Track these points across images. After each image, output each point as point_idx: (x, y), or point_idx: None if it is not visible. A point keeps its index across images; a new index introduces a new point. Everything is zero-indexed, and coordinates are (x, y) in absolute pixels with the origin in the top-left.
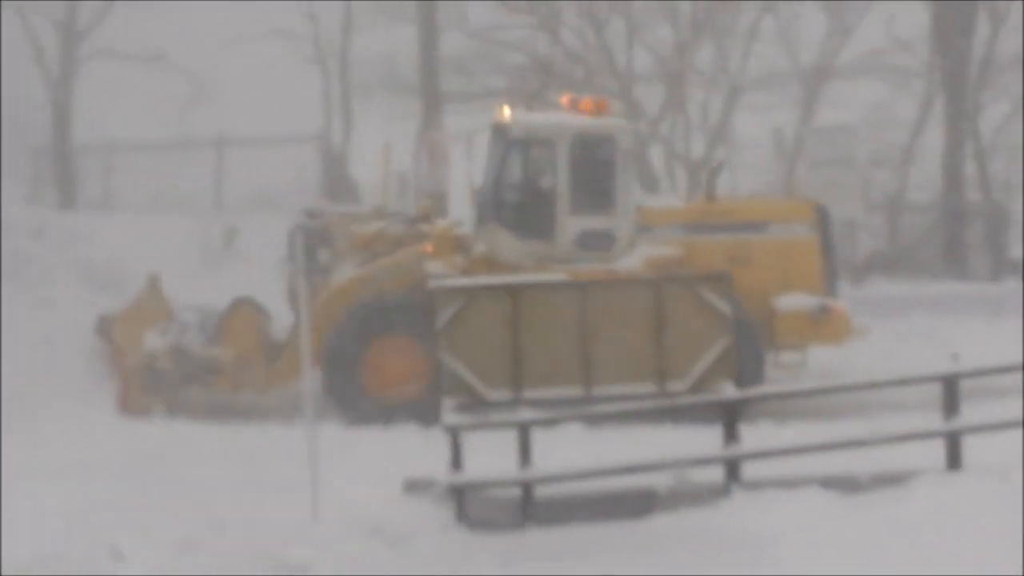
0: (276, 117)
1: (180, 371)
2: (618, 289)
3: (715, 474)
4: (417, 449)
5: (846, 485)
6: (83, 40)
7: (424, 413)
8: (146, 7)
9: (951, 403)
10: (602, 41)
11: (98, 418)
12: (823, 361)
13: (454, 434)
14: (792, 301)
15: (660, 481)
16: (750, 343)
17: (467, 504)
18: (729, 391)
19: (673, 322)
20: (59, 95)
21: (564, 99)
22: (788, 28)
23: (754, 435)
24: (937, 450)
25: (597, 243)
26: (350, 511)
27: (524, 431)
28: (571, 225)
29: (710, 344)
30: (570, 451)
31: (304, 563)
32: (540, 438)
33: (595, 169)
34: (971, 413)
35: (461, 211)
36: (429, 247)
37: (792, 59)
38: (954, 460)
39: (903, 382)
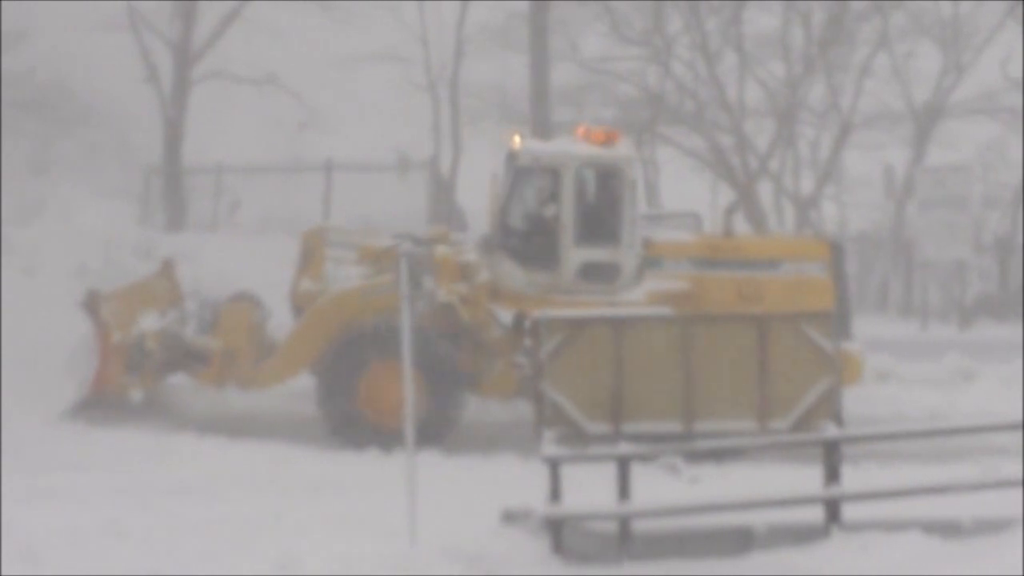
0: (385, 143)
1: (166, 356)
2: (721, 324)
3: (815, 514)
4: (517, 479)
5: (948, 530)
6: (197, 61)
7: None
8: (260, 29)
9: None
10: (713, 75)
11: (197, 439)
12: (928, 404)
13: (553, 465)
14: None
15: (758, 520)
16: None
17: (564, 536)
18: (831, 430)
19: (776, 359)
20: (171, 115)
21: (579, 129)
22: (901, 66)
23: (856, 476)
24: None
25: (601, 275)
26: (447, 540)
27: (623, 464)
28: (575, 256)
29: (813, 383)
30: (668, 487)
31: None
32: (638, 473)
33: (600, 200)
34: None
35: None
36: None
37: (905, 97)
38: None
39: (1007, 427)
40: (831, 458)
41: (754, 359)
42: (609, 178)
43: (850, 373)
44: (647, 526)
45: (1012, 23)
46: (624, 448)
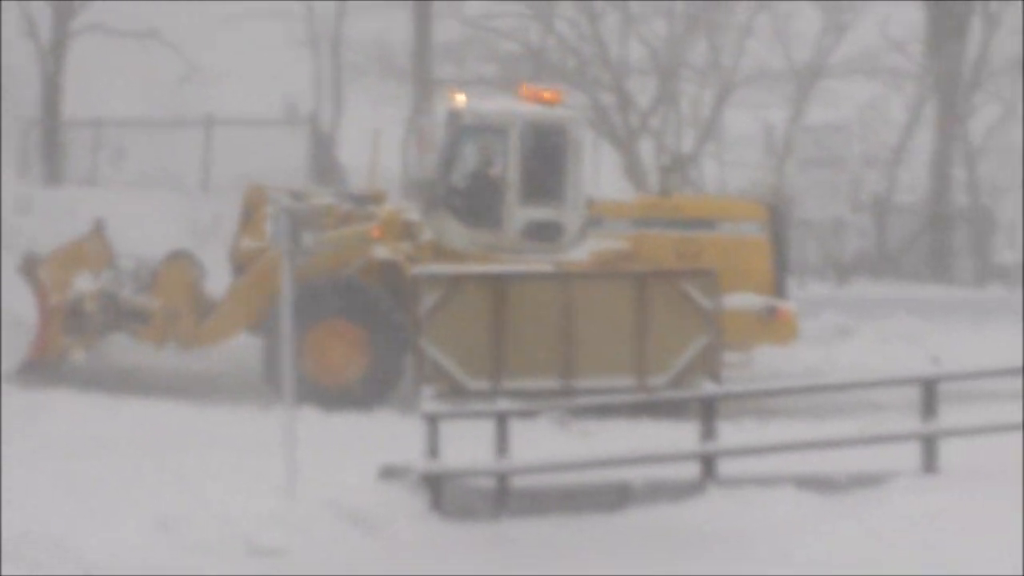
0: (266, 98)
1: (105, 317)
2: (602, 282)
3: (692, 470)
4: (395, 436)
5: (822, 485)
6: (76, 14)
7: (362, 398)
8: None
9: (929, 406)
10: (596, 32)
11: (85, 396)
12: (806, 361)
13: (431, 422)
14: (739, 300)
15: (636, 475)
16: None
17: (443, 493)
18: (708, 387)
19: (656, 317)
20: (49, 69)
21: (523, 88)
22: (782, 26)
23: (733, 432)
24: (914, 452)
25: (545, 234)
26: (325, 496)
27: (502, 421)
28: (519, 215)
29: (691, 340)
30: (547, 443)
31: (277, 546)
32: (517, 429)
33: (545, 159)
34: (949, 416)
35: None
36: (376, 230)
37: (785, 57)
38: (930, 463)
39: (882, 383)
40: (708, 415)
41: (634, 316)
42: (554, 137)
43: (786, 332)
44: (526, 482)
45: None
46: (503, 404)
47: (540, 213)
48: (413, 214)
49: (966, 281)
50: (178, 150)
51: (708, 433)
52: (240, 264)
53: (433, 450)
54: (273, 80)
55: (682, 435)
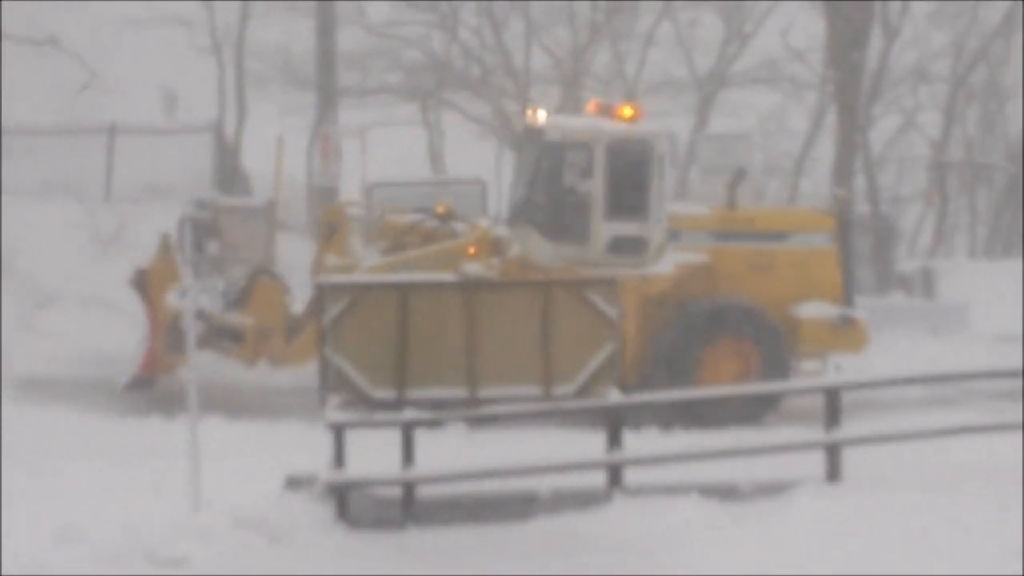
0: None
1: (199, 334)
2: (507, 292)
3: (598, 479)
4: (301, 444)
5: (727, 493)
6: None
7: None
8: None
9: (832, 415)
10: (500, 41)
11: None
12: None
13: (337, 431)
14: (814, 309)
15: (542, 484)
16: (774, 348)
17: (348, 502)
18: (613, 396)
19: (561, 326)
20: None
21: (592, 104)
22: (685, 35)
23: (638, 441)
24: (818, 461)
25: (629, 248)
26: (230, 505)
27: (407, 430)
28: (605, 230)
29: (597, 348)
30: (453, 452)
31: (182, 557)
32: (424, 439)
33: (630, 175)
34: (852, 426)
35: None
36: (471, 248)
37: (688, 66)
38: (834, 471)
39: (784, 392)
40: (614, 423)
41: (539, 325)
42: (639, 153)
43: (858, 341)
44: (432, 491)
45: None
46: (409, 414)
47: (625, 228)
48: (501, 230)
49: (868, 290)
50: (80, 159)
51: (614, 442)
52: None
53: (339, 460)
54: (176, 88)
55: (587, 444)
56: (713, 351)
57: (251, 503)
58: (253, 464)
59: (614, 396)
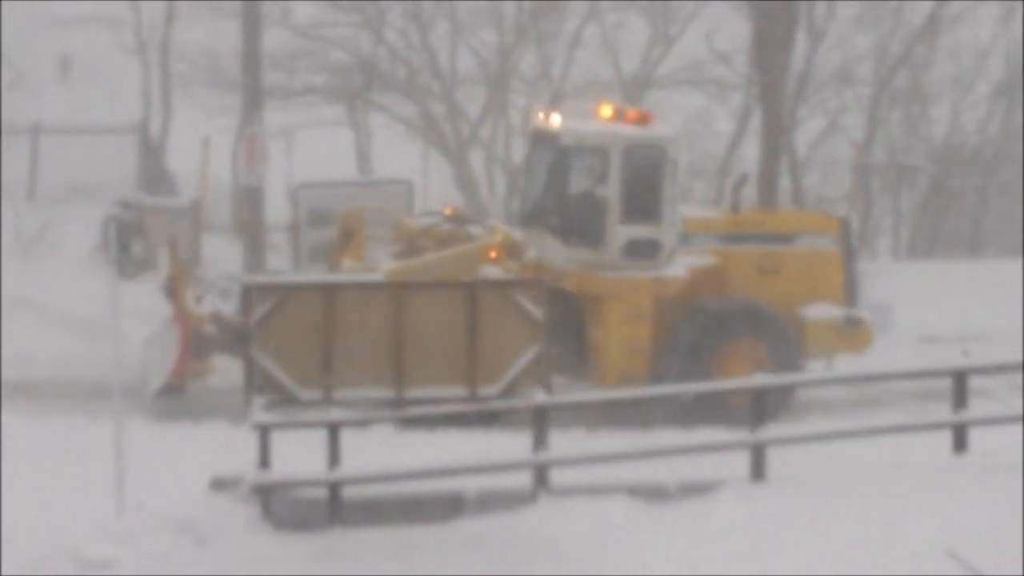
0: (95, 106)
1: (221, 339)
2: (433, 292)
3: (525, 479)
4: (227, 445)
5: (653, 494)
6: None
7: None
8: None
9: (758, 415)
10: (426, 42)
11: None
12: None
13: (263, 432)
14: (821, 311)
15: (469, 485)
16: (785, 347)
17: (274, 503)
18: (539, 397)
19: (487, 326)
20: None
21: (605, 108)
22: (611, 36)
23: (565, 442)
24: (744, 461)
25: (644, 251)
26: (155, 507)
27: (333, 431)
28: (620, 233)
29: (523, 350)
30: (380, 453)
31: (106, 560)
32: (350, 439)
33: (645, 178)
34: (777, 426)
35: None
36: (493, 252)
37: (614, 67)
38: (758, 471)
39: (710, 391)
40: (539, 424)
41: (465, 326)
42: (653, 157)
43: (863, 341)
44: (358, 492)
45: None
46: (335, 414)
47: (640, 231)
48: (517, 234)
49: None
50: (4, 158)
51: (540, 443)
52: None
53: (264, 460)
54: (101, 88)
55: (514, 444)
56: (726, 352)
57: (176, 504)
58: (179, 465)
59: (540, 397)
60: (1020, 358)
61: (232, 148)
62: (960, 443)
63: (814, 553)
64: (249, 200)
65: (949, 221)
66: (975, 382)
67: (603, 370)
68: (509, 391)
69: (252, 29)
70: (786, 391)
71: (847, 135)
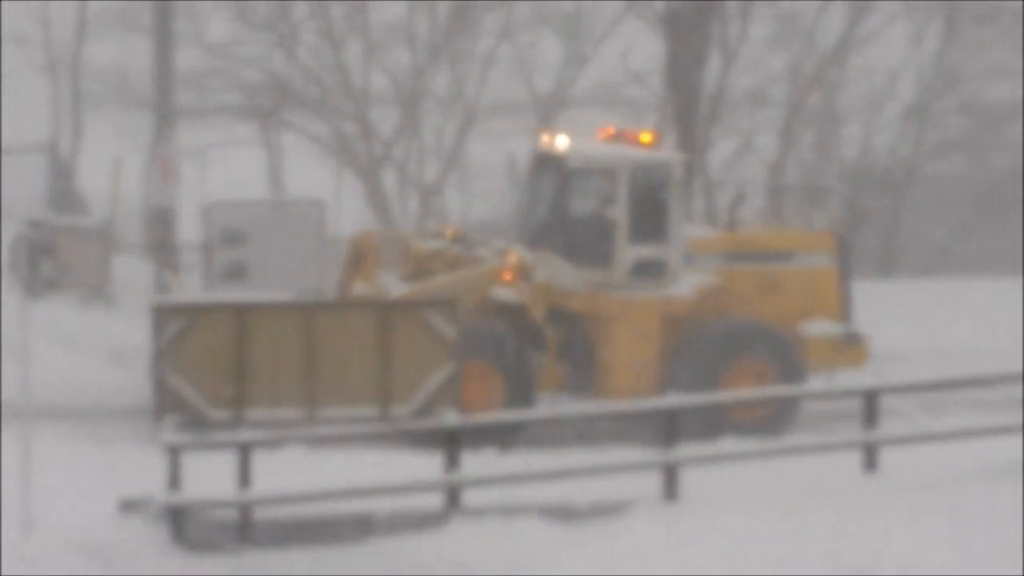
0: (4, 125)
1: None
2: (345, 312)
3: (436, 500)
4: (137, 467)
5: (565, 514)
6: None
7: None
8: None
9: (669, 435)
10: (339, 61)
11: None
12: None
13: (173, 453)
14: (821, 327)
15: (380, 506)
16: (790, 365)
17: (184, 525)
18: (451, 417)
19: (399, 346)
20: None
21: (607, 130)
22: (525, 56)
23: (477, 462)
24: (656, 481)
25: (651, 271)
26: (63, 530)
27: (244, 452)
28: (628, 254)
29: (435, 369)
30: (291, 474)
31: None
32: (262, 460)
33: (652, 199)
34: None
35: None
36: (508, 274)
37: (528, 87)
38: (671, 491)
39: (622, 416)
40: (451, 445)
41: (377, 346)
42: (660, 178)
43: (861, 357)
44: (269, 513)
45: (631, 17)
46: (246, 435)
47: (647, 252)
48: (527, 256)
49: None
50: None
51: (452, 463)
52: None
53: (174, 481)
54: (9, 107)
55: (425, 465)
56: (733, 370)
57: (84, 526)
58: (88, 486)
59: (452, 417)
60: (932, 377)
61: (144, 167)
62: (871, 463)
63: (724, 572)
64: (160, 220)
65: (860, 241)
66: (887, 402)
67: (611, 389)
68: (422, 411)
69: (163, 48)
70: (792, 405)
71: (760, 156)
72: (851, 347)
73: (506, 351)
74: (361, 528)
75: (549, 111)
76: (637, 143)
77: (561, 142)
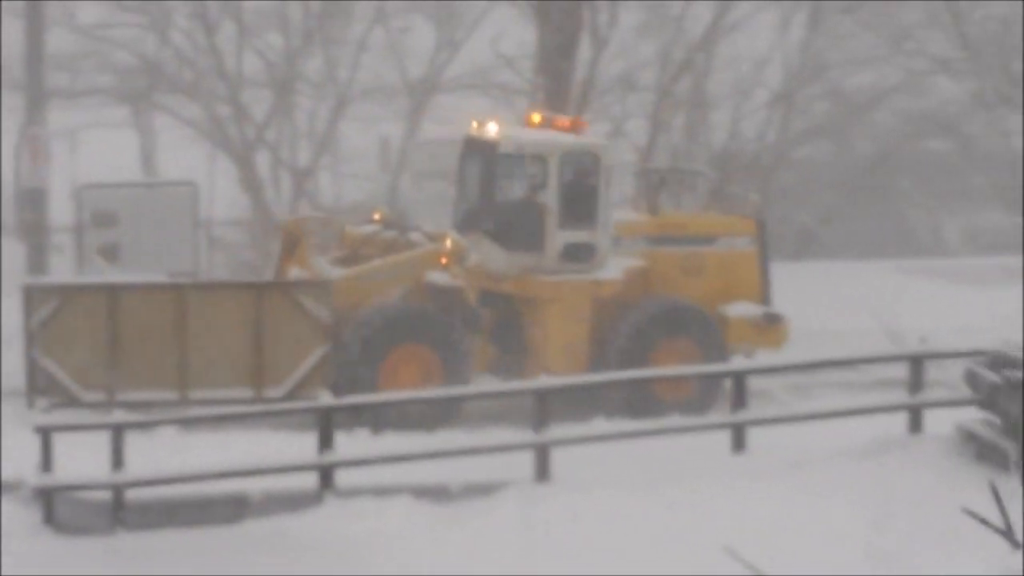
0: None
1: None
2: (218, 293)
3: (310, 481)
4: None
5: (438, 495)
6: None
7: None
8: None
9: (541, 416)
10: (212, 44)
11: None
12: None
13: (44, 435)
14: (742, 309)
15: (254, 487)
16: (714, 345)
17: (57, 507)
18: (324, 398)
19: (272, 328)
20: None
21: (534, 116)
22: (397, 40)
23: (351, 443)
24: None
25: (581, 255)
26: None
27: (117, 433)
28: (559, 238)
29: (308, 351)
30: (164, 455)
31: None
32: (135, 441)
33: (582, 185)
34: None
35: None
36: (444, 257)
37: (400, 72)
38: (542, 472)
39: (500, 395)
40: (324, 426)
41: (250, 327)
42: (589, 164)
43: (780, 338)
44: (142, 495)
45: (503, 4)
46: (118, 416)
47: (577, 236)
48: (461, 241)
49: None
50: None
51: (325, 444)
52: None
53: (46, 463)
54: None
55: (299, 446)
56: (660, 350)
57: None
58: None
59: (325, 398)
60: (799, 360)
61: (14, 149)
62: (739, 443)
63: (594, 552)
64: (32, 201)
65: None
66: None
67: (543, 370)
68: (295, 392)
69: (35, 29)
70: (716, 384)
71: (630, 140)
72: (771, 328)
73: (443, 334)
74: (235, 509)
75: (421, 96)
76: (565, 130)
77: (491, 129)
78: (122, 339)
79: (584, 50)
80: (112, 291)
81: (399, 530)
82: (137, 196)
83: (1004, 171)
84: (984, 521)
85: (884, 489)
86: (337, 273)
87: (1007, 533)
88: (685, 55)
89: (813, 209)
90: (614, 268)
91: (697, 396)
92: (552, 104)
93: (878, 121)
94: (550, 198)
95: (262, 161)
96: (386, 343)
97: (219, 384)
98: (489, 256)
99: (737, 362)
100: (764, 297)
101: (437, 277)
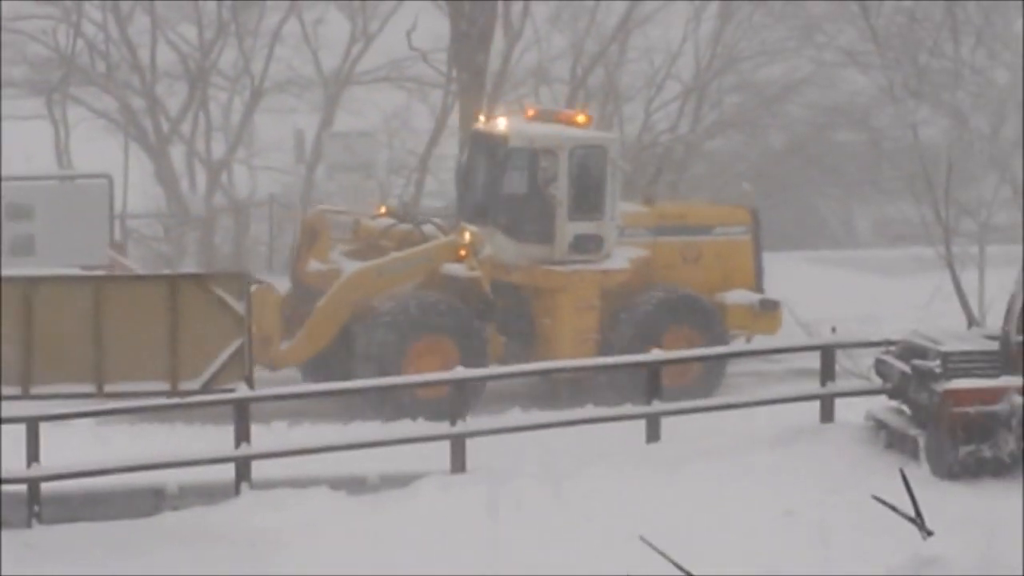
0: None
1: None
2: (133, 285)
3: (227, 473)
4: None
5: (355, 486)
6: None
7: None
8: None
9: (458, 408)
10: (125, 36)
11: None
12: None
13: None
14: (738, 296)
15: (170, 479)
16: (715, 331)
17: None
18: (241, 390)
19: (187, 320)
20: None
21: (532, 110)
22: (311, 33)
23: (268, 435)
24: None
25: (589, 246)
26: None
27: (32, 427)
28: (569, 230)
29: (224, 343)
30: (81, 448)
31: None
32: (50, 435)
33: (590, 177)
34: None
35: None
36: (463, 250)
37: (314, 64)
38: (458, 463)
39: (420, 384)
40: (241, 418)
41: (165, 320)
42: (597, 157)
43: (775, 324)
44: (58, 488)
45: None
46: (34, 410)
47: (585, 227)
48: (477, 233)
49: None
50: None
51: (242, 436)
52: (306, 286)
53: None
54: None
55: (216, 438)
56: (667, 337)
57: None
58: None
59: (242, 390)
60: (712, 350)
61: None
62: (653, 433)
63: (509, 541)
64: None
65: None
66: None
67: (553, 358)
68: (211, 384)
69: None
70: (719, 369)
71: None
72: (766, 314)
73: (463, 324)
74: (152, 501)
75: (335, 88)
76: (572, 123)
77: (501, 123)
78: (37, 332)
79: (497, 41)
80: (28, 283)
81: (316, 520)
82: (51, 189)
83: (914, 162)
84: (894, 508)
85: (796, 477)
86: (351, 266)
87: (916, 520)
88: (598, 47)
89: (725, 201)
90: (620, 258)
91: (702, 383)
92: (465, 96)
93: (789, 113)
94: (560, 191)
95: (177, 153)
96: (410, 334)
97: (135, 377)
98: (500, 248)
99: (655, 354)
100: (758, 284)
101: (455, 268)
